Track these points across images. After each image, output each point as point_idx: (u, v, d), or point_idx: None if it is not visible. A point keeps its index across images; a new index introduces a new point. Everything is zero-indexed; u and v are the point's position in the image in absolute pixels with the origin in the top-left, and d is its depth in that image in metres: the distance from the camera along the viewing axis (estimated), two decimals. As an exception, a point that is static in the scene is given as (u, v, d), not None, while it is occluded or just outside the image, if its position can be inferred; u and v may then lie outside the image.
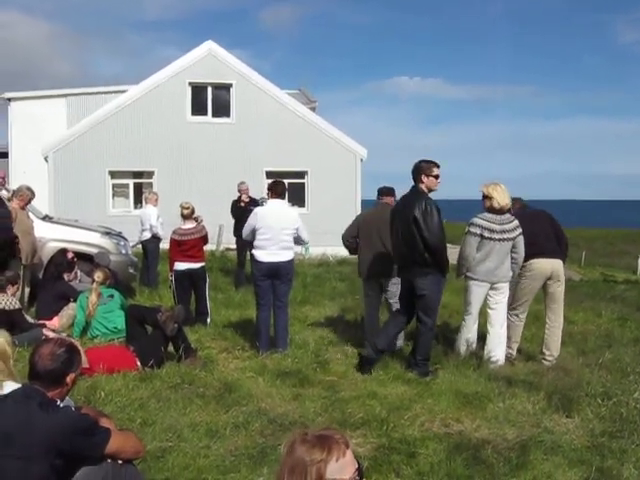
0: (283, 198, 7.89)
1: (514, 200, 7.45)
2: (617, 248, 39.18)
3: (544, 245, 7.37)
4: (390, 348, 7.31)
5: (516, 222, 7.09)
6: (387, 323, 7.32)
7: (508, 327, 7.44)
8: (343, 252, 21.56)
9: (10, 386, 3.82)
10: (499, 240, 7.04)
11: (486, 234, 7.07)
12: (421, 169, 6.87)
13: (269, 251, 7.65)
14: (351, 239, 8.09)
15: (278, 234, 7.63)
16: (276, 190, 7.85)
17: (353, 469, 2.14)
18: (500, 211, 7.09)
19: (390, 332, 7.17)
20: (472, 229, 7.17)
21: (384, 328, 7.26)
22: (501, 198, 7.07)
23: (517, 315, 7.52)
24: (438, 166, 6.93)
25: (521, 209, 7.64)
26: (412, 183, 6.97)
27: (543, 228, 7.49)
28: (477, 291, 7.27)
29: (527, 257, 7.29)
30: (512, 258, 7.14)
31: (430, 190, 6.89)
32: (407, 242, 6.77)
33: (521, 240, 7.09)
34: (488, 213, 7.14)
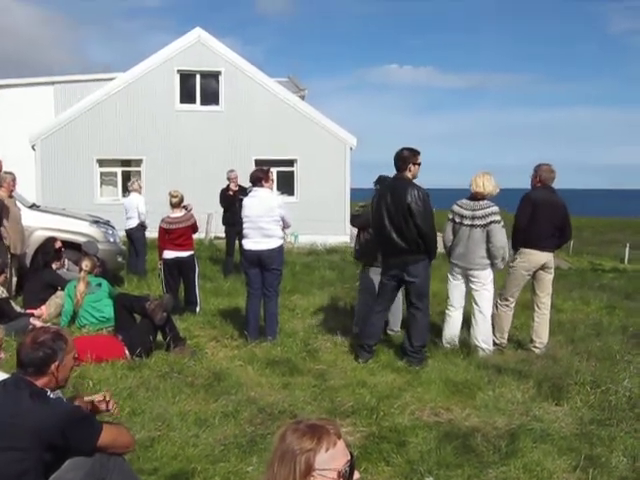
0: (261, 185, 7.75)
1: (541, 178, 7.45)
2: (606, 237, 39.39)
3: (546, 240, 7.37)
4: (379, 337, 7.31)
5: (491, 209, 7.08)
6: (370, 319, 7.20)
7: (499, 316, 7.51)
8: (332, 240, 21.53)
9: None
10: (469, 226, 7.15)
11: (457, 219, 7.27)
12: (408, 158, 6.90)
13: (252, 239, 7.68)
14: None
15: (256, 222, 7.62)
16: (252, 179, 7.86)
17: (344, 460, 2.10)
18: (475, 197, 7.20)
19: (377, 326, 7.17)
20: (449, 215, 7.41)
21: (370, 325, 7.15)
22: (473, 185, 7.21)
23: (507, 305, 7.53)
24: (420, 153, 7.01)
25: (544, 192, 7.44)
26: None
27: (555, 223, 7.38)
28: (453, 275, 7.41)
29: (525, 245, 7.34)
30: (487, 249, 7.11)
31: (414, 178, 6.93)
32: (399, 229, 6.77)
33: (495, 229, 7.03)
34: (466, 199, 7.25)
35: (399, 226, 6.76)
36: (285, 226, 7.81)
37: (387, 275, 7.08)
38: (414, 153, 6.94)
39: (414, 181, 6.91)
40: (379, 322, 7.20)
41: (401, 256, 6.85)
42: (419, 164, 6.95)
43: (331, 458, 2.09)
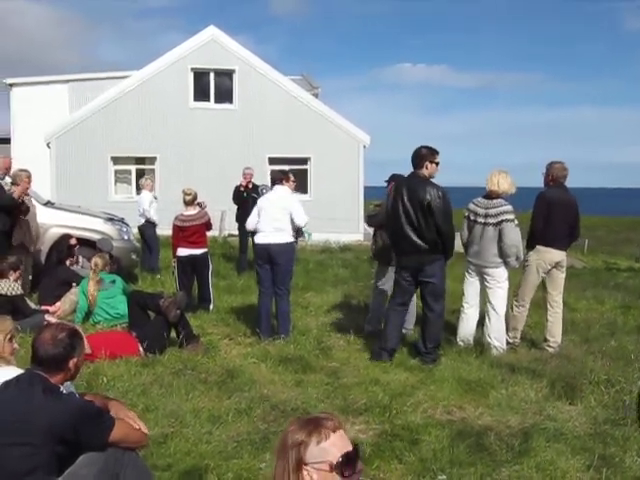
0: (281, 184, 7.96)
1: (555, 177, 7.42)
2: (620, 236, 39.13)
3: (561, 238, 7.37)
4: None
5: (504, 208, 7.07)
6: (389, 318, 7.09)
7: (514, 317, 7.51)
8: (346, 238, 21.51)
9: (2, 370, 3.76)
10: (482, 224, 7.16)
11: (471, 217, 7.30)
12: (425, 156, 6.85)
13: (263, 233, 7.76)
14: None
15: (270, 213, 7.72)
16: (272, 180, 8.22)
17: (339, 453, 2.06)
18: (490, 195, 7.21)
19: (397, 325, 7.11)
20: (464, 212, 7.43)
21: (389, 325, 7.03)
22: (489, 184, 7.22)
23: (523, 305, 7.51)
24: (438, 153, 6.96)
25: (558, 191, 7.42)
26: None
27: (569, 222, 7.38)
28: (469, 273, 7.44)
29: (540, 243, 7.34)
30: (500, 247, 7.09)
31: (431, 177, 6.89)
32: (417, 228, 6.70)
33: (507, 227, 7.00)
34: (482, 197, 7.27)
35: (417, 224, 6.69)
36: (296, 222, 7.80)
37: (402, 274, 7.01)
38: (432, 152, 6.89)
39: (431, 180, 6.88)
40: (398, 320, 7.09)
41: (417, 255, 6.77)
42: (437, 163, 6.89)
43: (322, 452, 2.05)
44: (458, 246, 7.28)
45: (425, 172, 6.83)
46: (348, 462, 2.06)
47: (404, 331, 7.77)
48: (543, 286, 7.60)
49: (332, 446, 2.07)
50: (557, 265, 7.41)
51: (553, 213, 7.27)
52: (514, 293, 7.59)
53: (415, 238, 6.72)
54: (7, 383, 3.28)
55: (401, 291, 7.06)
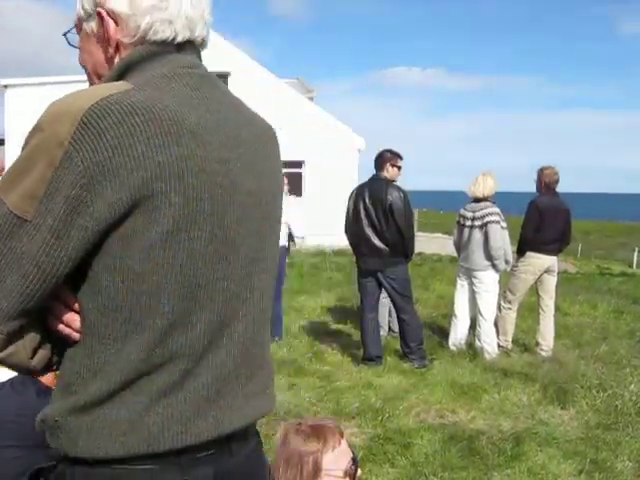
0: None
1: (546, 186, 7.46)
2: (614, 241, 39.26)
3: (551, 244, 7.40)
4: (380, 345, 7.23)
5: (489, 210, 7.13)
6: (364, 331, 7.04)
7: (502, 318, 7.53)
8: (339, 242, 21.44)
9: None
10: (469, 227, 7.24)
11: (461, 221, 7.40)
12: (388, 158, 6.98)
13: None
14: None
15: None
16: None
17: (348, 458, 2.12)
18: (475, 199, 7.28)
19: (375, 336, 7.08)
20: (456, 217, 7.57)
21: (367, 338, 7.00)
22: (473, 188, 7.29)
23: (510, 307, 7.55)
24: (402, 158, 7.08)
25: (549, 198, 7.45)
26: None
27: (559, 228, 7.41)
28: (460, 276, 7.51)
29: (531, 249, 7.38)
30: (486, 249, 7.12)
31: (392, 180, 6.96)
32: (378, 230, 6.78)
33: (492, 229, 7.03)
34: (473, 202, 7.34)
35: (378, 226, 6.78)
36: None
37: (365, 277, 7.02)
38: (394, 155, 7.03)
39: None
40: (371, 327, 7.02)
41: (379, 258, 6.84)
42: (399, 167, 7.02)
43: (337, 457, 2.11)
44: (453, 251, 7.33)
45: (386, 174, 6.93)
46: (355, 467, 2.13)
47: (395, 335, 7.77)
48: (535, 290, 7.64)
49: (343, 451, 2.13)
50: (548, 270, 7.45)
51: (544, 221, 7.30)
52: (503, 295, 7.63)
53: (375, 240, 6.80)
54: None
55: (367, 294, 7.06)
